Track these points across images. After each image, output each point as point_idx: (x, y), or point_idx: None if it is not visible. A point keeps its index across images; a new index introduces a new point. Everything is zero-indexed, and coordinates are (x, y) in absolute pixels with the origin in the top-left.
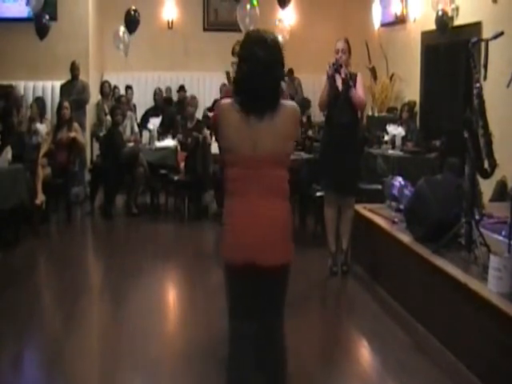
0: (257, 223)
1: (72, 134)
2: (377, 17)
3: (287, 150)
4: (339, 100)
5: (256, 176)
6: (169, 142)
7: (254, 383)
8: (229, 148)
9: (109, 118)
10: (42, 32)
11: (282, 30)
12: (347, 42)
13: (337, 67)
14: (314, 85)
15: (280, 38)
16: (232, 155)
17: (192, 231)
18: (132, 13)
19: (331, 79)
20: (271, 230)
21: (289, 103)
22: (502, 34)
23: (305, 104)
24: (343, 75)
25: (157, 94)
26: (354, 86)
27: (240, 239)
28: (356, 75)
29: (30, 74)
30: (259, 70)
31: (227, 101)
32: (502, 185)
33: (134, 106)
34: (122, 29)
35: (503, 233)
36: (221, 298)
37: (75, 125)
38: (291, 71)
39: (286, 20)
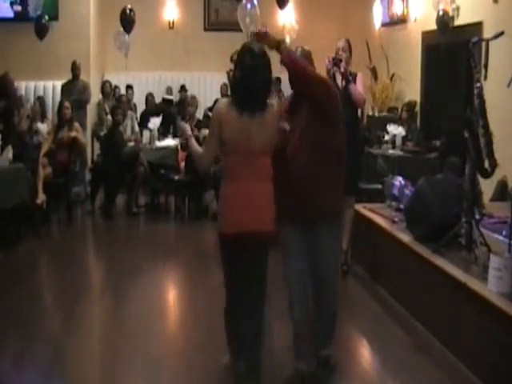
0: (251, 200)
1: (73, 134)
2: (377, 16)
3: (273, 141)
4: (340, 94)
5: (249, 163)
6: (169, 142)
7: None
8: (227, 141)
9: (109, 117)
10: (42, 32)
11: (289, 30)
12: (348, 41)
13: (336, 61)
14: None
15: (287, 39)
16: (230, 147)
17: (192, 231)
18: (127, 12)
19: (331, 75)
20: (262, 205)
21: (274, 102)
22: (502, 33)
23: None
24: (342, 69)
25: (149, 100)
26: (355, 83)
27: (240, 213)
28: (356, 74)
29: (31, 73)
30: (248, 73)
31: (224, 100)
32: (502, 184)
33: (135, 105)
34: (122, 29)
35: (503, 233)
36: (221, 298)
37: (76, 124)
38: (279, 80)
39: (287, 20)
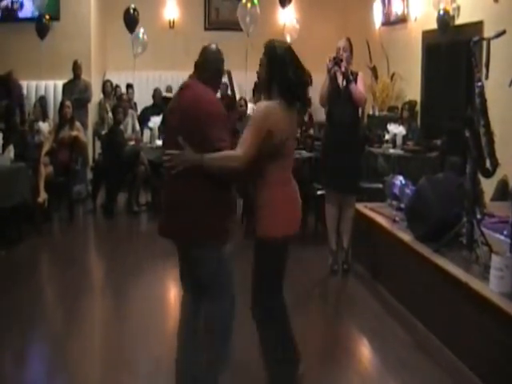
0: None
1: (74, 133)
2: (378, 16)
3: None
4: (340, 98)
5: (290, 164)
6: None
7: None
8: (281, 143)
9: (110, 116)
10: (43, 32)
11: (290, 30)
12: (349, 40)
13: (337, 61)
14: (315, 84)
15: (288, 38)
16: (285, 149)
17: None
18: (131, 12)
19: (332, 74)
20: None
21: None
22: (503, 32)
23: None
24: (343, 69)
25: (156, 93)
26: (355, 82)
27: (295, 216)
28: (357, 74)
29: (32, 73)
30: (297, 72)
31: (269, 102)
32: (503, 184)
33: (135, 104)
34: (142, 30)
35: (505, 232)
36: None
37: (77, 124)
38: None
39: (288, 19)
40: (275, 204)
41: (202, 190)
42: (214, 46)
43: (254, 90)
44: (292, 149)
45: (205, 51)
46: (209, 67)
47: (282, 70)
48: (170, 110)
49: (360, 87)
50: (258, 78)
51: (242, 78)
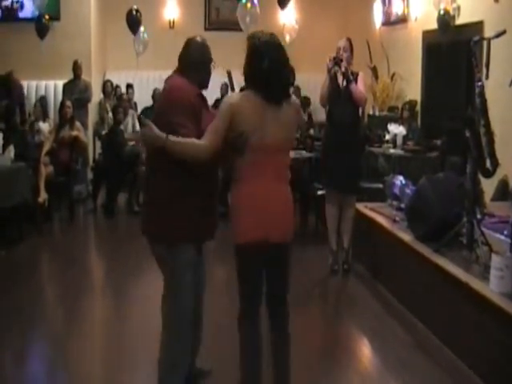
0: (269, 205)
1: (74, 133)
2: (378, 16)
3: (292, 138)
4: (340, 98)
5: (267, 161)
6: None
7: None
8: (243, 134)
9: (111, 116)
10: (43, 32)
11: (289, 29)
12: (349, 41)
13: (337, 61)
14: (315, 84)
15: (287, 38)
16: (250, 143)
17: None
18: (134, 13)
19: (332, 74)
20: (283, 211)
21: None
22: (504, 32)
23: (304, 102)
24: (343, 69)
25: (156, 93)
26: (356, 82)
27: (258, 219)
28: (357, 74)
29: (32, 73)
30: (275, 63)
31: (240, 93)
32: (503, 184)
33: (135, 104)
34: (142, 29)
35: (505, 232)
36: (223, 296)
37: (77, 123)
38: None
39: (287, 19)
40: (238, 205)
41: (166, 186)
42: (197, 39)
43: None
44: (265, 146)
45: (186, 44)
46: (188, 60)
47: (255, 61)
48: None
49: (360, 87)
50: None
51: (243, 78)
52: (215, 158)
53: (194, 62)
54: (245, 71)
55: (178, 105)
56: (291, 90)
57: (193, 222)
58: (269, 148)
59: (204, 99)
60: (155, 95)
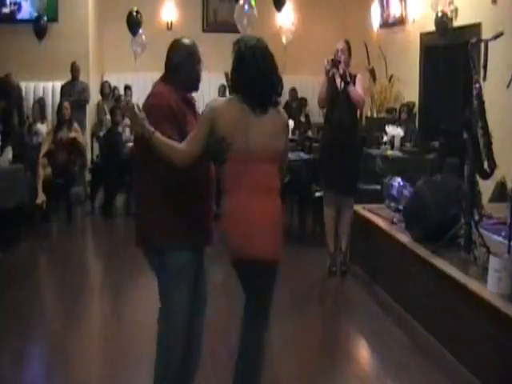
0: (257, 222)
1: (72, 134)
2: (376, 18)
3: (280, 147)
4: (338, 100)
5: (252, 172)
6: None
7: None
8: (229, 144)
9: (108, 117)
10: (41, 33)
11: (286, 30)
12: (347, 42)
13: (335, 63)
14: (313, 86)
15: (284, 39)
16: (232, 152)
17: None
18: (134, 14)
19: (330, 76)
20: (270, 229)
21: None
22: (501, 34)
23: (302, 103)
24: (341, 71)
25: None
26: (354, 84)
27: (244, 237)
28: (355, 76)
29: (30, 74)
30: (261, 69)
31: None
32: (501, 185)
33: None
34: (141, 31)
35: (503, 234)
36: (222, 297)
37: (75, 125)
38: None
39: (286, 21)
40: (225, 220)
41: (150, 189)
42: (182, 41)
43: None
44: (249, 154)
45: (170, 46)
46: (171, 63)
47: (240, 68)
48: None
49: (359, 89)
50: None
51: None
52: (193, 165)
53: (178, 65)
54: (230, 77)
55: (156, 111)
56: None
57: (182, 226)
58: (253, 157)
59: (190, 103)
60: None
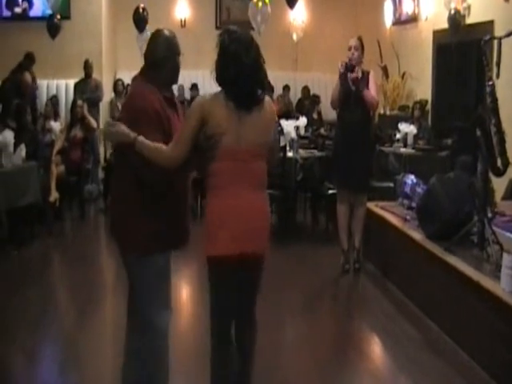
0: (245, 218)
1: (80, 110)
2: (388, 15)
3: (269, 141)
4: (351, 98)
5: (241, 168)
6: None
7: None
8: (218, 141)
9: None
10: (54, 31)
11: (296, 28)
12: (360, 39)
13: (350, 68)
14: (325, 83)
15: (294, 36)
16: (222, 148)
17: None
18: (140, 11)
19: (343, 78)
20: (259, 225)
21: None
22: None
23: (315, 100)
24: (355, 75)
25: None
26: (367, 83)
27: (232, 233)
28: (369, 73)
29: (43, 72)
30: (245, 63)
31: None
32: None
33: None
34: (148, 29)
35: None
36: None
37: (91, 120)
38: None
39: (298, 19)
40: (211, 217)
41: (128, 190)
42: (162, 32)
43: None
44: (238, 151)
45: (150, 39)
46: (151, 57)
47: (223, 62)
48: None
49: (372, 90)
50: None
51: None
52: (181, 166)
53: (164, 59)
54: (215, 71)
55: (142, 118)
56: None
57: (164, 228)
58: (243, 154)
59: (172, 102)
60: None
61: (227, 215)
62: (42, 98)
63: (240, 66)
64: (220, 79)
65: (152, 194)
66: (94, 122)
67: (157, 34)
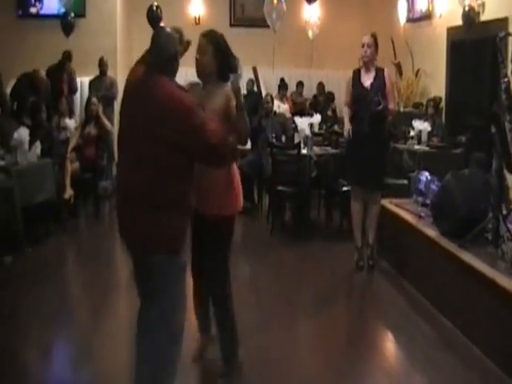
0: None
1: (95, 108)
2: (402, 12)
3: None
4: (366, 98)
5: None
6: None
7: None
8: None
9: None
10: (68, 29)
11: (312, 25)
12: (374, 36)
13: (376, 103)
14: (338, 80)
15: (310, 33)
16: None
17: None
18: (154, 9)
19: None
20: None
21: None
22: None
23: (329, 97)
24: (378, 107)
25: (248, 85)
26: (383, 81)
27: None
28: (383, 70)
29: None
30: None
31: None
32: None
33: None
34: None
35: None
36: (248, 293)
37: (105, 120)
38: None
39: (313, 16)
40: (235, 182)
41: (162, 185)
42: (167, 29)
43: (279, 86)
44: None
45: (158, 36)
46: (166, 54)
47: (225, 56)
48: (136, 98)
49: (389, 94)
50: (201, 65)
51: (269, 75)
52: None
53: (172, 54)
54: (216, 64)
55: (194, 109)
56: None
57: (187, 226)
58: None
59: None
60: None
61: (238, 180)
62: None
63: (231, 57)
64: (222, 69)
65: (184, 192)
66: (108, 124)
67: (162, 30)
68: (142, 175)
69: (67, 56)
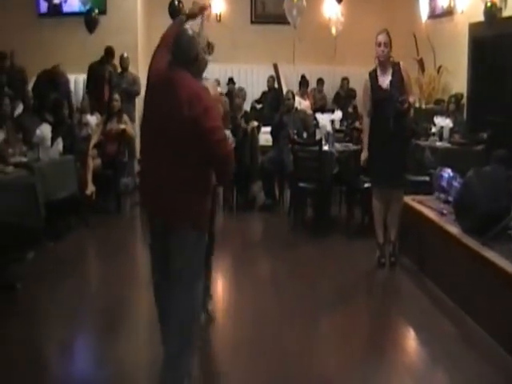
0: None
1: (122, 126)
2: (424, 9)
3: None
4: (385, 98)
5: None
6: None
7: None
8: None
9: None
10: (91, 26)
11: (335, 22)
12: (388, 34)
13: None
14: (360, 76)
15: (333, 30)
16: None
17: (240, 222)
18: (175, 3)
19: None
20: None
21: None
22: None
23: (351, 94)
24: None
25: (269, 82)
26: (400, 75)
27: None
28: (399, 64)
29: (80, 66)
30: None
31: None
32: None
33: None
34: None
35: None
36: (269, 289)
37: (125, 116)
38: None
39: (332, 12)
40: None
41: (197, 172)
42: (192, 32)
43: (300, 83)
44: None
45: (183, 36)
46: (192, 55)
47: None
48: (163, 91)
49: (408, 88)
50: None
51: (290, 71)
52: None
53: (196, 54)
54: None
55: (214, 109)
56: None
57: (209, 205)
58: None
59: None
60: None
61: None
62: (79, 92)
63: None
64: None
65: (209, 176)
66: (132, 132)
67: (186, 32)
68: (168, 160)
69: (109, 51)
